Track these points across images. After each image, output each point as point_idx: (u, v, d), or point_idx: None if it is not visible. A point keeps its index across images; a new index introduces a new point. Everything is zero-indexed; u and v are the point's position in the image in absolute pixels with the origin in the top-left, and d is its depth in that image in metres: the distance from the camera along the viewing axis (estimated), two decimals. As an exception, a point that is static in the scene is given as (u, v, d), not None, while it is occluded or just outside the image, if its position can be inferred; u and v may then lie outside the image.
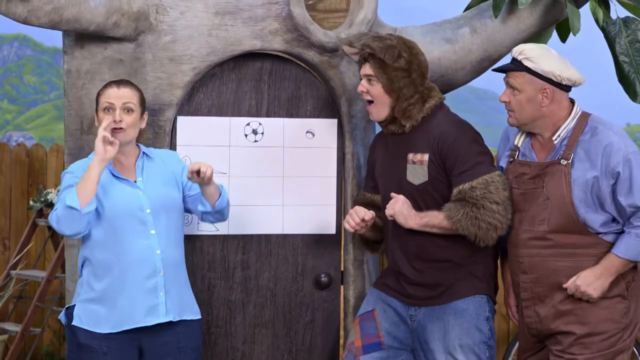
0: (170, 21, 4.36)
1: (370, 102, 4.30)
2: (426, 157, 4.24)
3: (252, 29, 4.41)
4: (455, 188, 4.17)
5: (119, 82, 4.12)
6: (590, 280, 4.03)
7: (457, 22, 4.77)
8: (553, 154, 4.13)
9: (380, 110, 4.28)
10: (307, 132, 4.62)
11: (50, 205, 6.90)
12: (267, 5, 4.42)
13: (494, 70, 4.31)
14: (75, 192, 3.91)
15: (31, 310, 6.73)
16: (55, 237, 7.14)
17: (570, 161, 4.07)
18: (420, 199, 4.24)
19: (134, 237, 4.04)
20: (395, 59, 4.22)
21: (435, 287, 4.25)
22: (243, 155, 4.55)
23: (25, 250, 7.00)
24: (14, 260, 6.94)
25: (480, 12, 4.75)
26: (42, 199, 6.96)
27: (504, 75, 4.20)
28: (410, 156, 4.27)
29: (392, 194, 4.23)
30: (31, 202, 7.06)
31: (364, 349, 4.31)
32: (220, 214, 4.24)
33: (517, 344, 6.14)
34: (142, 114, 4.13)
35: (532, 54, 4.09)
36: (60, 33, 4.54)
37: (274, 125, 4.58)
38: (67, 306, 4.17)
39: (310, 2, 4.54)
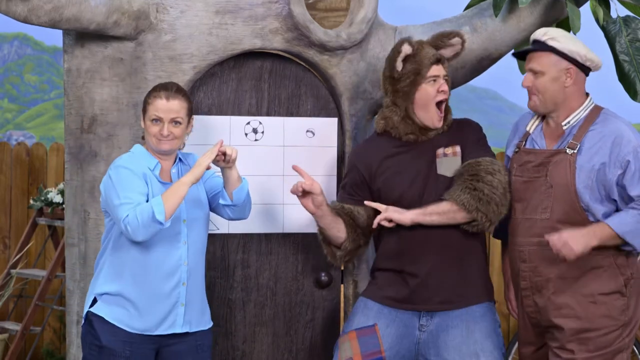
0: (171, 20, 4.36)
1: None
2: (458, 148, 4.24)
3: (252, 28, 4.41)
4: (462, 163, 4.20)
5: (168, 93, 4.03)
6: (573, 234, 4.00)
7: (458, 21, 4.77)
8: (561, 141, 4.14)
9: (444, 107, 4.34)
10: (307, 131, 4.62)
11: (51, 204, 6.90)
12: (268, 4, 4.42)
13: (514, 54, 4.31)
14: (163, 205, 3.88)
15: (31, 309, 6.73)
16: (55, 236, 7.14)
17: (576, 150, 4.07)
18: None
19: (165, 247, 4.02)
20: None
21: (456, 287, 4.21)
22: (243, 154, 4.54)
23: (25, 249, 7.00)
24: (14, 259, 6.94)
25: (481, 11, 4.75)
26: (43, 198, 6.96)
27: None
28: (441, 151, 4.25)
29: (377, 218, 4.22)
30: (31, 201, 7.06)
31: None
32: (240, 208, 4.18)
33: (517, 343, 6.13)
34: (189, 122, 4.10)
35: (557, 34, 4.13)
36: (60, 32, 4.54)
37: (274, 124, 4.58)
38: (89, 305, 4.05)
39: (310, 1, 4.54)
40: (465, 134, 4.29)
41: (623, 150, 4.03)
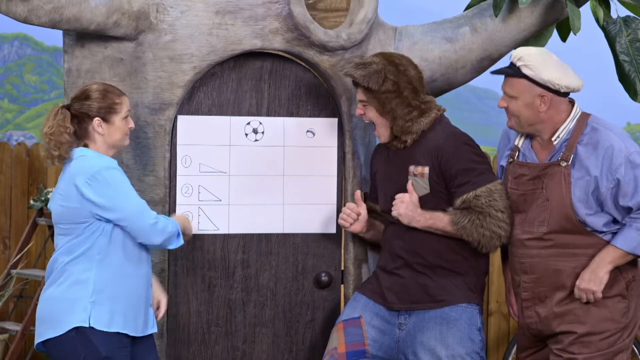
0: (171, 20, 4.36)
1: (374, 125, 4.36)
2: (426, 169, 4.25)
3: (252, 28, 4.41)
4: (459, 198, 4.18)
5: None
6: (586, 277, 4.03)
7: (458, 21, 4.77)
8: (553, 154, 4.13)
9: (382, 131, 4.32)
10: (308, 131, 4.62)
11: (51, 204, 6.89)
12: (268, 4, 4.42)
13: (492, 73, 4.31)
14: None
15: (32, 310, 6.72)
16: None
17: (570, 162, 4.07)
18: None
19: (145, 253, 4.08)
20: (382, 84, 4.23)
21: (429, 289, 4.24)
22: (243, 155, 4.55)
23: (25, 249, 7.00)
24: (15, 260, 6.94)
25: (481, 11, 4.75)
26: (43, 198, 6.95)
27: (503, 76, 4.20)
28: (411, 169, 4.28)
29: (397, 195, 4.24)
30: (31, 202, 7.05)
31: (347, 356, 4.28)
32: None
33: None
34: None
35: (531, 61, 4.07)
36: (60, 32, 4.54)
37: (274, 125, 4.58)
38: (75, 326, 3.95)
39: (310, 2, 4.54)
40: (446, 161, 4.23)
41: (615, 162, 4.01)
